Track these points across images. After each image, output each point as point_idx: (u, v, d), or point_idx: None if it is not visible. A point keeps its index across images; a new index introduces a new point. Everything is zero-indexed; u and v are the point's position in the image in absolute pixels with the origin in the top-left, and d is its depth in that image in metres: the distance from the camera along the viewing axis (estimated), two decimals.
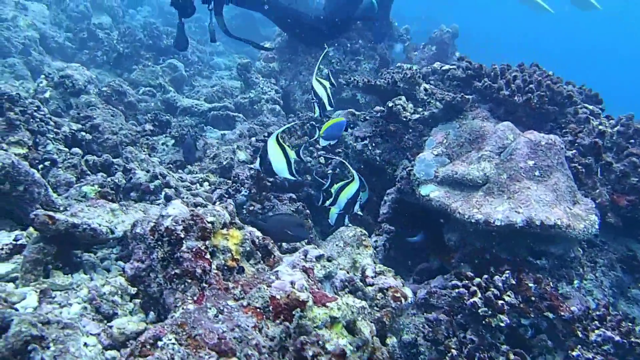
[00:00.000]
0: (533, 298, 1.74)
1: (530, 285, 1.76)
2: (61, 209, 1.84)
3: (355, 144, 2.77)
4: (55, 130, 2.30)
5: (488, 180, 2.01)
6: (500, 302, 1.71)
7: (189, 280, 1.36)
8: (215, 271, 1.42)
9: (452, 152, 2.23)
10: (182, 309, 1.30)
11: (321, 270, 1.63)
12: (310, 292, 1.36)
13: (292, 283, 1.38)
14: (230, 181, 2.65)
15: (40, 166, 2.06)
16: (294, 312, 1.30)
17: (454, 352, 1.71)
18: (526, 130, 2.13)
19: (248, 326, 1.25)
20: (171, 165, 2.95)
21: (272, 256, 1.64)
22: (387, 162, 2.64)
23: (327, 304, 1.35)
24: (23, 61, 4.25)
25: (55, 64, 4.56)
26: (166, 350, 1.12)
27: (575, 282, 1.88)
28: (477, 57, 2.76)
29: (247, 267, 1.54)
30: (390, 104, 2.58)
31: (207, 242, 1.43)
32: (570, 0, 11.28)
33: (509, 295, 1.74)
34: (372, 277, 1.75)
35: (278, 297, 1.33)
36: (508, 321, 1.68)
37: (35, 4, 5.40)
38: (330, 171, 2.86)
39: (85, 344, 1.26)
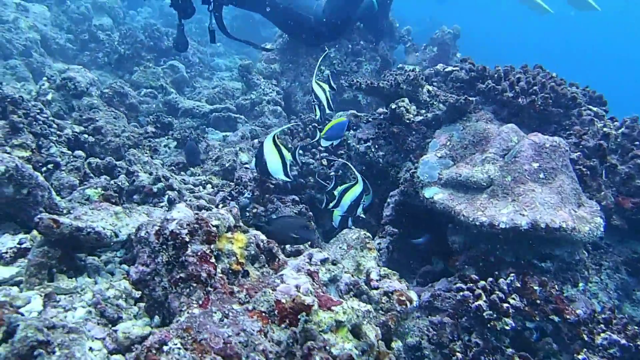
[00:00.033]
0: (538, 301, 1.73)
1: (536, 288, 1.76)
2: (64, 212, 1.83)
3: (358, 146, 2.76)
4: (58, 132, 2.30)
5: (492, 182, 2.00)
6: (505, 305, 1.70)
7: (194, 284, 1.35)
8: (220, 275, 1.41)
9: (456, 154, 2.22)
10: (188, 313, 1.30)
11: (326, 273, 1.63)
12: (315, 296, 1.36)
13: (297, 287, 1.37)
14: (233, 183, 2.64)
15: (44, 169, 2.06)
16: (299, 316, 1.30)
17: (459, 355, 1.70)
18: (530, 132, 2.13)
19: (253, 330, 1.25)
20: (173, 168, 2.95)
21: (277, 259, 1.64)
22: (390, 164, 2.63)
23: (333, 307, 1.35)
24: (24, 63, 4.25)
25: (57, 65, 4.55)
26: (172, 355, 1.12)
27: (581, 284, 1.87)
28: (477, 58, 2.76)
29: (251, 270, 1.53)
30: (393, 106, 2.57)
31: (212, 246, 1.43)
32: (567, 1, 11.27)
33: (514, 299, 1.74)
34: (376, 281, 1.75)
35: (283, 301, 1.32)
36: (513, 324, 1.68)
37: (36, 6, 5.40)
38: (332, 173, 2.86)
39: (91, 349, 1.25)
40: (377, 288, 1.71)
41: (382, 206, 2.54)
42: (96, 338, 1.30)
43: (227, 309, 1.31)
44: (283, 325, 1.29)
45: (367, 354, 1.35)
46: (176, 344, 1.15)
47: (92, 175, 2.24)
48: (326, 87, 2.53)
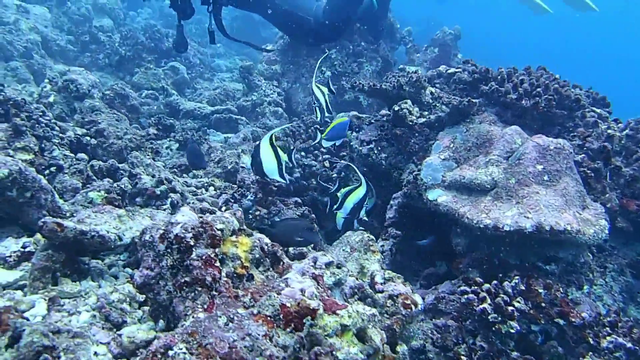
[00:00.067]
0: (543, 304, 1.73)
1: (540, 291, 1.75)
2: (68, 215, 1.83)
3: (360, 148, 2.76)
4: (60, 135, 2.29)
5: (496, 184, 1.99)
6: (510, 308, 1.70)
7: (199, 288, 1.35)
8: (225, 279, 1.41)
9: (460, 156, 2.22)
10: (193, 317, 1.29)
11: (331, 277, 1.62)
12: (320, 300, 1.35)
13: (302, 291, 1.37)
14: (235, 186, 2.64)
15: (47, 172, 2.05)
16: (304, 320, 1.29)
17: (464, 358, 1.70)
18: (534, 134, 2.12)
19: (259, 335, 1.24)
20: (176, 170, 2.94)
21: (281, 263, 1.63)
22: (392, 166, 2.63)
23: (338, 311, 1.34)
24: (25, 64, 4.25)
25: (57, 67, 4.55)
26: None
27: (585, 287, 1.87)
28: (477, 58, 2.76)
29: (256, 274, 1.52)
30: (396, 108, 2.56)
31: (216, 250, 1.42)
32: (564, 1, 11.27)
33: (518, 301, 1.73)
34: (381, 284, 1.74)
35: (288, 305, 1.32)
36: (518, 327, 1.67)
37: (36, 7, 5.40)
38: (335, 175, 2.85)
39: (96, 353, 1.25)
40: (381, 291, 1.71)
41: (385, 208, 2.54)
42: (101, 342, 1.30)
43: (232, 313, 1.30)
44: (288, 330, 1.28)
45: (373, 358, 1.34)
46: (181, 349, 1.15)
47: (94, 178, 2.23)
48: (325, 90, 2.52)
